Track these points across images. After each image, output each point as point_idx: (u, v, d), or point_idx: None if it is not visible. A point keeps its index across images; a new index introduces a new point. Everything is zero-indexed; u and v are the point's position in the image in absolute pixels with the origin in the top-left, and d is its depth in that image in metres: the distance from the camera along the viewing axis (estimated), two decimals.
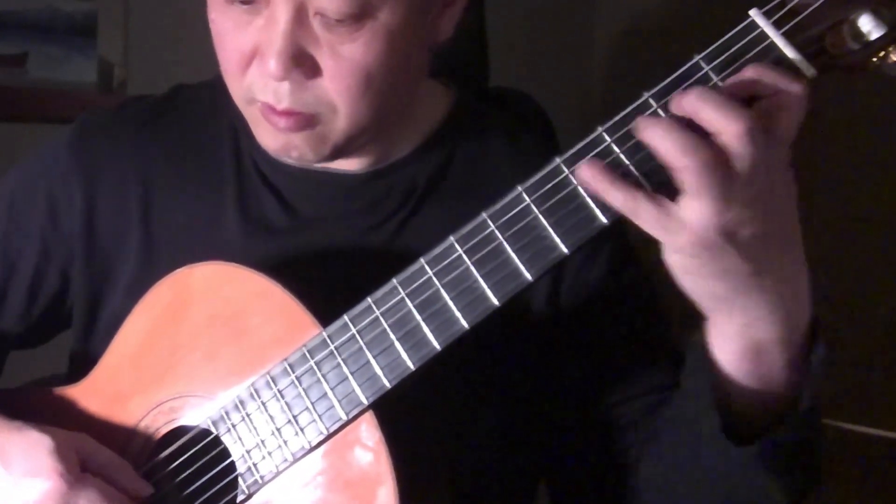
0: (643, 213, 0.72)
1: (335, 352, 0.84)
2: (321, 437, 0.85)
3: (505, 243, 0.79)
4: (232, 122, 1.00)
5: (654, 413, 0.92)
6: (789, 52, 0.74)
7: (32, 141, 1.14)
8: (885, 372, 1.90)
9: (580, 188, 0.76)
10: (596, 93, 2.37)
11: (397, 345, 0.82)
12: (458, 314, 0.80)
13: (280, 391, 0.86)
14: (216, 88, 0.96)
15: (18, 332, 1.06)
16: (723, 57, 0.74)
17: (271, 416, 0.87)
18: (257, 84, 0.88)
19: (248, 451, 0.88)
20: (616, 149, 0.75)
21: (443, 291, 0.81)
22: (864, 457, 1.72)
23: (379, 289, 0.83)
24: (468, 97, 1.04)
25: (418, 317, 0.82)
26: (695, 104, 0.71)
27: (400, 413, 0.84)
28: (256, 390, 0.87)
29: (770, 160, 0.71)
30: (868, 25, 0.73)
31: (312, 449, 0.86)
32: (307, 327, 0.86)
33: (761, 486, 0.80)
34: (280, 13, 0.83)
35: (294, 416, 0.86)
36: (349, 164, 0.96)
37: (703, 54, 0.75)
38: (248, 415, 0.88)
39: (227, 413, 0.89)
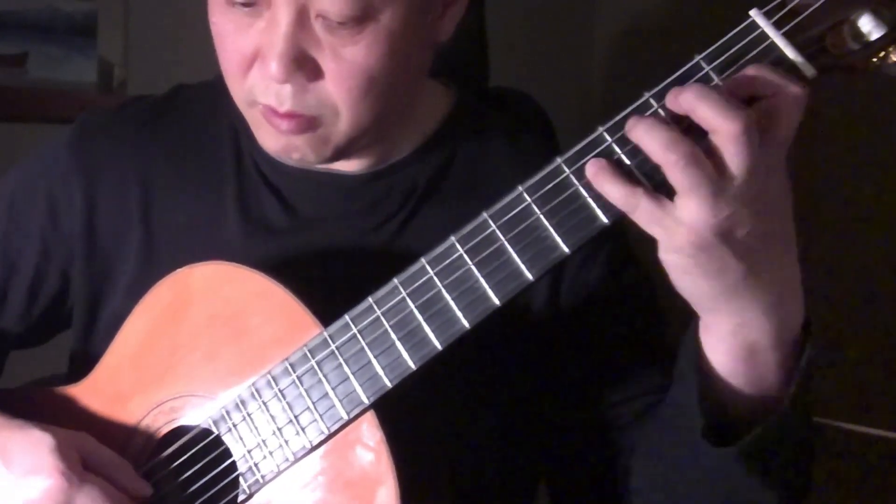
0: (642, 210, 0.72)
1: (336, 351, 0.84)
2: (322, 437, 0.85)
3: (506, 243, 0.79)
4: (232, 122, 1.00)
5: (650, 413, 0.93)
6: (790, 52, 0.74)
7: (32, 141, 1.14)
8: (885, 372, 1.90)
9: (581, 188, 0.76)
10: (596, 93, 2.37)
11: (398, 344, 0.82)
12: (459, 314, 0.80)
13: (281, 391, 0.86)
14: (216, 88, 0.96)
15: (18, 332, 1.06)
16: (723, 57, 0.75)
17: (272, 416, 0.87)
18: (259, 86, 0.88)
19: (249, 451, 0.88)
20: (617, 149, 0.75)
21: (444, 291, 0.81)
22: (864, 457, 1.72)
23: (380, 289, 0.83)
24: (468, 97, 1.04)
25: (419, 317, 0.82)
26: (692, 102, 0.71)
27: (401, 413, 0.84)
28: (257, 390, 0.87)
29: (767, 161, 0.71)
30: (868, 26, 0.73)
31: (313, 448, 0.86)
32: (308, 327, 0.86)
33: (749, 487, 0.80)
34: (281, 15, 0.83)
35: (295, 416, 0.86)
36: (349, 165, 0.96)
37: (703, 54, 0.75)
38: (249, 414, 0.88)
39: (228, 413, 0.89)
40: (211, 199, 0.99)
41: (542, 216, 0.78)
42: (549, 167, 0.78)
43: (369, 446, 0.84)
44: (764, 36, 0.74)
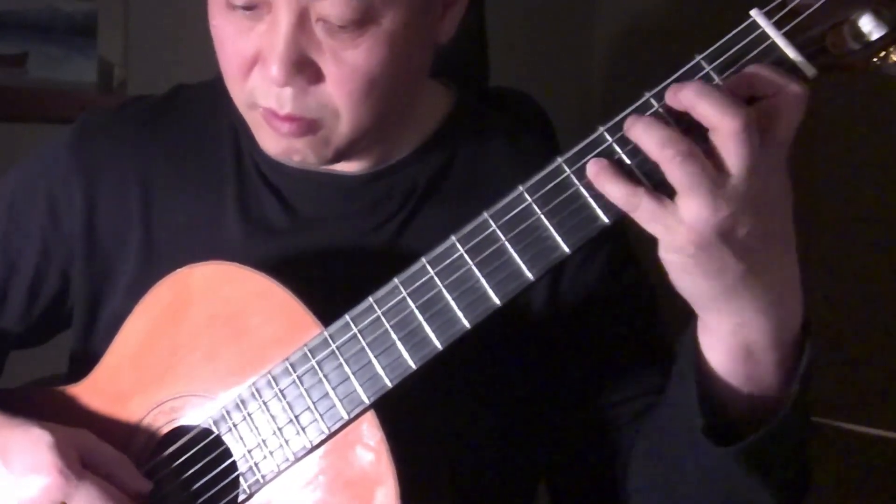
0: (643, 210, 0.72)
1: (336, 351, 0.84)
2: (322, 437, 0.85)
3: (507, 243, 0.79)
4: (232, 122, 1.00)
5: (649, 413, 0.93)
6: (790, 52, 0.74)
7: (32, 141, 1.14)
8: (885, 372, 1.90)
9: (582, 188, 0.76)
10: (596, 93, 2.37)
11: (399, 344, 0.82)
12: (459, 314, 0.80)
13: (281, 391, 0.86)
14: (216, 88, 0.96)
15: (18, 332, 1.06)
16: (724, 57, 0.75)
17: (272, 416, 0.87)
18: (259, 89, 0.88)
19: (249, 451, 0.88)
20: (618, 149, 0.75)
21: (444, 291, 0.81)
22: (864, 457, 1.72)
23: (380, 289, 0.83)
24: (468, 97, 1.04)
25: (420, 317, 0.82)
26: (692, 98, 0.71)
27: (401, 413, 0.84)
28: (258, 390, 0.87)
29: (767, 161, 0.71)
30: (869, 26, 0.73)
31: (314, 448, 0.86)
32: (308, 327, 0.86)
33: (748, 487, 0.80)
34: (282, 19, 0.83)
35: (295, 416, 0.86)
36: (350, 165, 0.96)
37: (704, 54, 0.75)
38: (249, 414, 0.88)
39: (228, 412, 0.89)
40: (211, 199, 0.99)
41: (542, 216, 0.78)
42: (549, 167, 0.78)
43: (369, 446, 0.84)
44: (764, 36, 0.74)
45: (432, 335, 0.81)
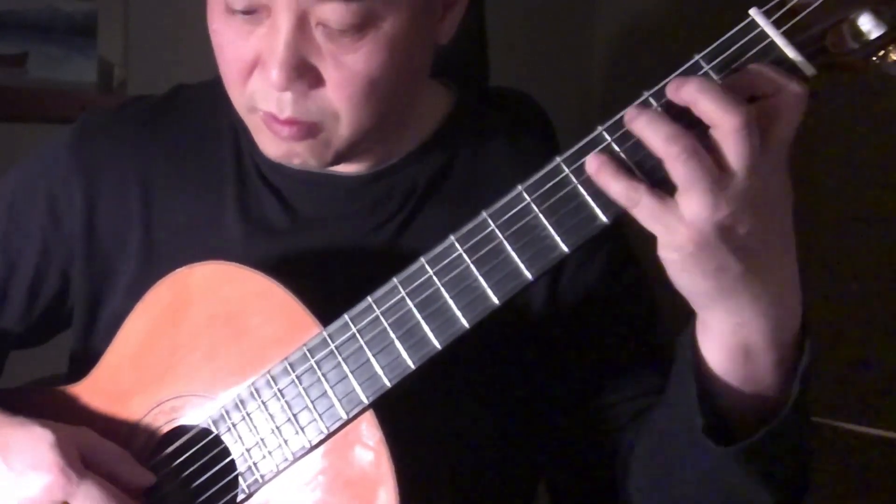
0: (643, 207, 0.72)
1: (335, 351, 0.84)
2: (321, 437, 0.85)
3: (505, 242, 0.79)
4: (232, 122, 1.00)
5: (648, 413, 0.92)
6: (789, 51, 0.74)
7: (32, 141, 1.14)
8: (885, 372, 1.90)
9: (580, 187, 0.76)
10: (596, 93, 2.37)
11: (397, 344, 0.82)
12: (458, 313, 0.80)
13: (280, 390, 0.86)
14: (216, 88, 0.96)
15: (18, 332, 1.06)
16: (723, 56, 0.74)
17: (271, 415, 0.87)
18: (259, 93, 0.88)
19: (248, 450, 0.88)
20: (616, 147, 0.75)
21: (443, 290, 0.81)
22: (864, 457, 1.72)
23: (379, 288, 0.83)
24: (468, 98, 1.04)
25: (418, 316, 0.82)
26: (693, 94, 0.71)
27: (400, 412, 0.84)
28: (257, 389, 0.87)
29: (768, 160, 0.71)
30: (868, 25, 0.73)
31: (312, 448, 0.86)
32: (307, 327, 0.86)
33: (748, 487, 0.80)
34: (282, 23, 0.83)
35: (294, 416, 0.86)
36: (350, 166, 0.96)
37: (702, 53, 0.75)
38: (248, 414, 0.88)
39: (227, 412, 0.89)
40: (211, 199, 0.99)
41: (540, 215, 0.77)
42: (548, 166, 0.78)
43: (369, 446, 0.84)
44: (763, 35, 0.74)
45: (431, 335, 0.81)
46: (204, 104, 1.03)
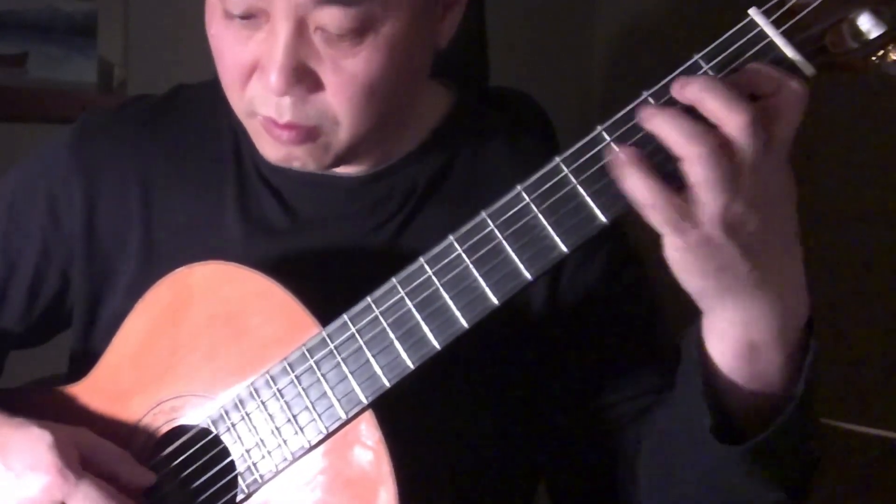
0: (662, 209, 0.71)
1: (335, 351, 0.84)
2: (321, 437, 0.85)
3: (504, 242, 0.79)
4: (232, 123, 1.00)
5: (651, 412, 0.92)
6: (788, 51, 0.74)
7: (32, 141, 1.14)
8: (885, 372, 1.90)
9: (579, 187, 0.76)
10: (596, 93, 2.37)
11: (396, 344, 0.82)
12: (457, 313, 0.80)
13: (279, 390, 0.86)
14: (216, 88, 0.96)
15: (18, 331, 1.06)
16: (722, 56, 0.74)
17: (271, 416, 0.87)
18: (258, 98, 0.88)
19: (247, 451, 0.88)
20: (615, 147, 0.75)
21: (442, 290, 0.81)
22: (864, 457, 1.72)
23: (378, 288, 0.83)
24: (468, 98, 1.04)
25: (418, 316, 0.82)
26: (698, 93, 0.71)
27: (400, 412, 0.84)
28: (256, 389, 0.87)
29: (770, 158, 0.71)
30: (868, 24, 0.73)
31: (312, 448, 0.86)
32: (307, 327, 0.86)
33: (752, 486, 0.80)
34: (281, 28, 0.83)
35: (293, 416, 0.86)
36: (349, 167, 0.96)
37: (702, 53, 0.75)
38: (247, 414, 0.88)
39: (226, 412, 0.89)
40: (211, 199, 0.99)
41: (540, 215, 0.77)
42: (547, 166, 0.78)
43: (368, 446, 0.84)
44: (763, 35, 0.74)
45: (430, 335, 0.81)
46: (204, 104, 1.03)
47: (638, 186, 0.72)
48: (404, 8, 0.84)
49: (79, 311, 1.03)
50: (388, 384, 0.83)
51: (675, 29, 1.93)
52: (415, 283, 0.82)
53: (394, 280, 0.83)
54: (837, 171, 1.90)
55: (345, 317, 0.84)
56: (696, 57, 0.75)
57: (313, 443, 0.85)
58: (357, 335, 0.84)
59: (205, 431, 0.91)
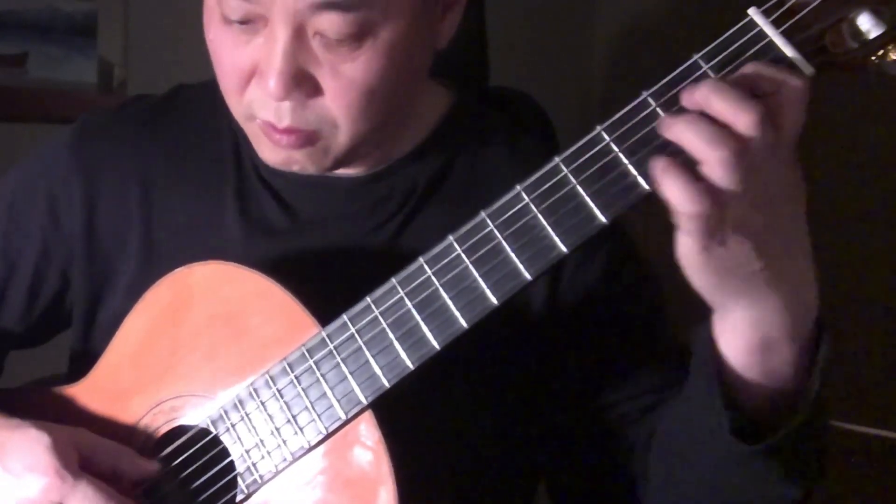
0: (704, 217, 0.70)
1: (334, 351, 0.84)
2: (320, 437, 0.85)
3: (504, 242, 0.79)
4: (232, 123, 1.00)
5: (657, 410, 0.92)
6: (788, 50, 0.74)
7: (32, 141, 1.14)
8: (886, 372, 1.90)
9: (579, 187, 0.76)
10: (596, 93, 2.37)
11: (396, 344, 0.82)
12: (456, 313, 0.80)
13: (279, 391, 0.86)
14: (216, 89, 0.96)
15: (18, 331, 1.06)
16: (721, 56, 0.74)
17: (270, 416, 0.87)
18: (257, 102, 0.87)
19: (247, 451, 0.88)
20: (615, 147, 0.75)
21: (441, 291, 0.81)
22: (864, 457, 1.72)
23: (378, 288, 0.83)
24: (468, 98, 1.04)
25: (417, 316, 0.81)
26: (706, 96, 0.71)
27: (399, 412, 0.84)
28: (255, 390, 0.87)
29: (779, 155, 0.71)
30: (867, 24, 0.73)
31: (311, 448, 0.86)
32: (307, 327, 0.86)
33: (772, 482, 0.80)
34: (279, 33, 0.83)
35: (293, 416, 0.86)
36: (349, 168, 0.96)
37: (701, 53, 0.75)
38: (247, 414, 0.88)
39: (226, 412, 0.89)
40: (211, 198, 0.99)
41: (539, 215, 0.77)
42: (547, 166, 0.78)
43: (368, 446, 0.84)
44: (762, 34, 0.74)
45: (430, 335, 0.81)
46: (204, 104, 1.03)
47: (678, 192, 0.70)
48: (403, 12, 0.84)
49: (79, 311, 1.03)
50: (387, 384, 0.83)
51: (675, 29, 1.93)
52: (414, 284, 0.82)
53: (393, 280, 0.83)
54: (837, 171, 1.90)
55: (344, 317, 0.84)
56: (696, 57, 0.75)
57: (313, 443, 0.85)
58: (357, 335, 0.84)
59: (204, 432, 0.91)
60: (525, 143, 1.02)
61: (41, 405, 0.96)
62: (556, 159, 0.77)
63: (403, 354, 0.82)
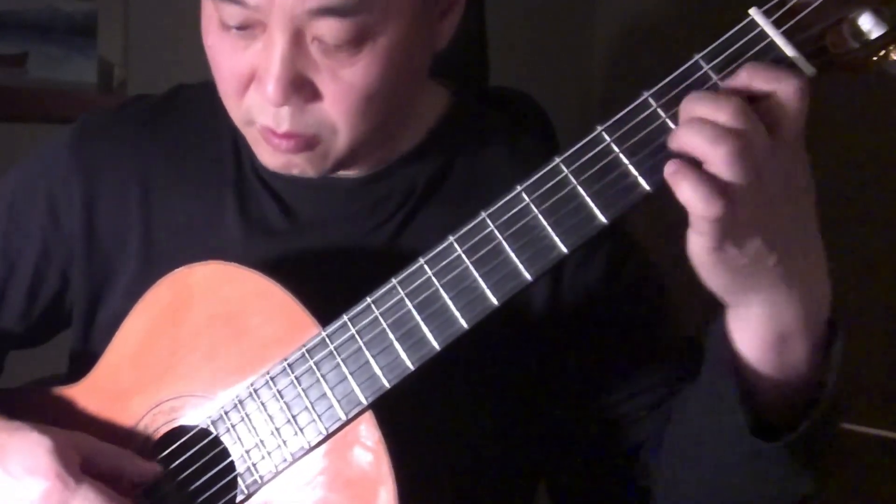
0: (718, 218, 0.70)
1: (334, 352, 0.84)
2: (320, 437, 0.85)
3: (504, 243, 0.79)
4: (231, 124, 0.99)
5: (664, 406, 0.92)
6: (789, 50, 0.74)
7: (32, 141, 1.14)
8: (886, 372, 1.89)
9: (580, 187, 0.76)
10: (596, 93, 2.37)
11: (396, 345, 0.82)
12: (457, 314, 0.80)
13: (279, 391, 0.86)
14: (216, 89, 0.96)
15: (18, 332, 1.06)
16: (722, 56, 0.75)
17: (270, 416, 0.87)
18: (256, 107, 0.87)
19: (247, 451, 0.88)
20: (615, 148, 0.75)
21: (442, 291, 0.81)
22: (864, 457, 1.72)
23: (378, 289, 0.83)
24: (467, 97, 1.04)
25: (417, 316, 0.81)
26: (691, 107, 0.72)
27: (399, 413, 0.84)
28: (256, 390, 0.87)
29: (784, 152, 0.71)
30: (868, 24, 0.73)
31: (312, 449, 0.86)
32: (307, 327, 0.86)
33: (788, 477, 0.80)
34: (277, 39, 0.82)
35: (293, 416, 0.86)
36: (349, 169, 0.96)
37: (702, 53, 0.75)
38: (247, 415, 0.88)
39: (226, 413, 0.89)
40: (211, 199, 0.99)
41: (540, 215, 0.77)
42: (547, 166, 0.78)
43: (368, 446, 0.84)
44: (763, 35, 0.74)
45: (430, 335, 0.81)
46: (204, 104, 1.03)
47: (694, 197, 0.70)
48: (402, 16, 0.84)
49: (78, 312, 1.03)
50: (387, 385, 0.83)
51: (675, 29, 1.93)
52: (415, 284, 0.82)
53: (393, 280, 0.83)
54: (837, 171, 1.90)
55: (344, 317, 0.84)
56: (697, 57, 0.75)
57: (313, 443, 0.85)
58: (357, 336, 0.84)
59: (204, 432, 0.90)
60: (525, 142, 1.02)
61: (41, 405, 0.96)
62: (557, 159, 0.77)
63: (404, 355, 0.82)
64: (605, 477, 0.97)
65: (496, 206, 0.79)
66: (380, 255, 0.95)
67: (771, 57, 0.74)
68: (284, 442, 0.86)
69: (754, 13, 0.75)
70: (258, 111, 0.87)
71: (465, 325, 0.80)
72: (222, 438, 0.89)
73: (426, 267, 0.81)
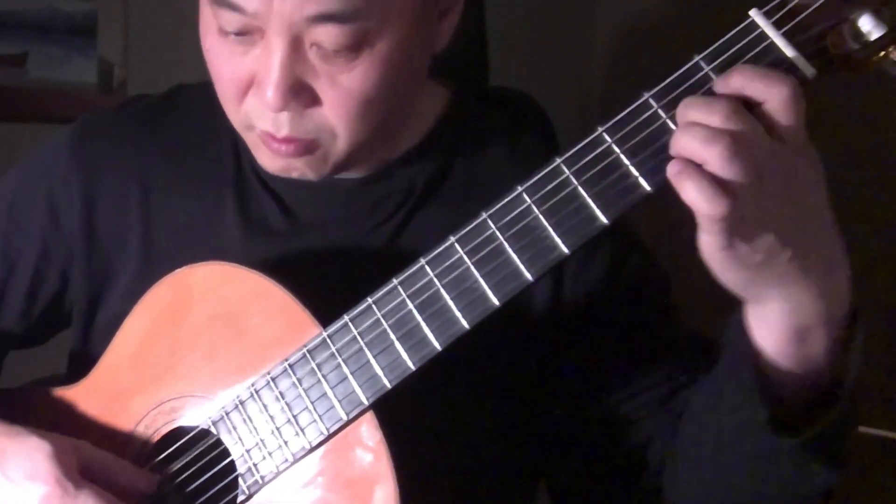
0: (724, 217, 0.70)
1: (336, 352, 0.84)
2: (321, 438, 0.85)
3: (505, 243, 0.79)
4: (231, 124, 0.99)
5: (669, 405, 0.92)
6: (789, 51, 0.74)
7: (32, 141, 1.14)
8: (886, 372, 1.89)
9: (580, 188, 0.76)
10: (596, 93, 2.37)
11: (397, 345, 0.82)
12: (458, 314, 0.80)
13: (281, 392, 0.86)
14: (215, 90, 0.96)
15: (18, 332, 1.06)
16: (723, 57, 0.75)
17: (271, 417, 0.87)
18: (255, 112, 0.87)
19: (248, 452, 0.88)
20: (616, 149, 0.75)
21: (443, 291, 0.81)
22: (864, 457, 1.72)
23: (379, 289, 0.83)
24: (467, 97, 1.04)
25: (418, 317, 0.81)
26: (684, 113, 0.72)
27: (400, 413, 0.84)
28: (257, 391, 0.87)
29: (787, 150, 0.72)
30: (868, 25, 0.73)
31: (313, 449, 0.86)
32: (307, 327, 0.86)
33: (808, 472, 0.80)
34: (276, 44, 0.82)
35: (294, 417, 0.86)
36: (348, 170, 0.96)
37: (703, 55, 0.75)
38: (248, 415, 0.88)
39: (227, 413, 0.89)
40: (211, 199, 0.99)
41: (541, 216, 0.78)
42: (548, 167, 0.78)
43: (369, 447, 0.84)
44: (763, 36, 0.74)
45: (431, 336, 0.81)
46: (204, 104, 1.03)
47: (698, 197, 0.71)
48: (400, 20, 0.84)
49: (78, 312, 1.03)
50: (388, 385, 0.83)
51: (675, 29, 1.93)
52: (416, 285, 0.82)
53: (394, 281, 0.83)
54: (837, 171, 1.90)
55: (346, 318, 0.84)
56: (698, 58, 0.75)
57: (314, 444, 0.85)
58: (358, 336, 0.84)
59: (205, 432, 0.90)
60: (525, 143, 1.02)
61: (41, 406, 0.96)
62: (558, 160, 0.77)
63: (405, 355, 0.82)
64: (605, 477, 0.97)
65: (497, 207, 0.79)
66: (379, 256, 0.95)
67: (771, 58, 0.74)
68: (285, 442, 0.86)
69: (754, 14, 0.75)
70: (257, 116, 0.87)
71: (466, 325, 0.80)
72: (223, 438, 0.89)
73: (427, 267, 0.81)
